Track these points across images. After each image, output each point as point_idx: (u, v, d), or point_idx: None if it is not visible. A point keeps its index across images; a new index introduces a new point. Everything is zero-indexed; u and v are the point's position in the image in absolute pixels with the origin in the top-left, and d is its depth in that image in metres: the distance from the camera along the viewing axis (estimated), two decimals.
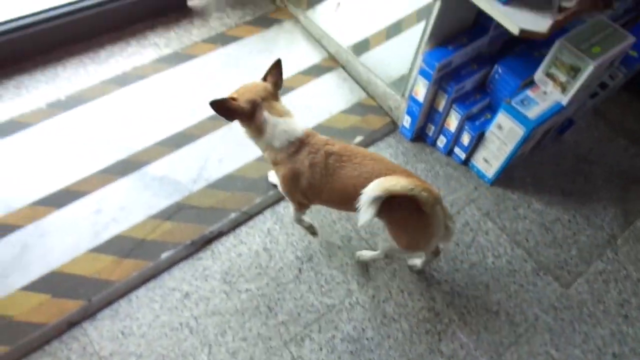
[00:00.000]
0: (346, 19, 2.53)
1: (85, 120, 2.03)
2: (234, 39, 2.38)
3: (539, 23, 1.65)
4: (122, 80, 2.16)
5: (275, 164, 1.57)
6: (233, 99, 1.49)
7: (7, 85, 2.08)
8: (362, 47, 2.42)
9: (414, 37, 2.51)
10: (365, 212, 1.37)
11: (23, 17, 2.07)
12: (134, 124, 2.05)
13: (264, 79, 1.58)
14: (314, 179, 1.52)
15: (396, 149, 2.21)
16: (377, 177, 1.41)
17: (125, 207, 1.85)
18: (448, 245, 1.94)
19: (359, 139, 2.16)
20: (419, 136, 2.25)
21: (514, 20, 1.65)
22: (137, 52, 2.28)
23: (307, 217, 1.85)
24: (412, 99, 2.06)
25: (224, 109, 1.47)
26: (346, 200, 1.52)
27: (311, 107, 2.21)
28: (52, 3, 2.13)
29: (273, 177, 1.95)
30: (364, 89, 2.33)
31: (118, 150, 1.97)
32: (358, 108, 2.27)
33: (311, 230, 1.91)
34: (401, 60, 2.37)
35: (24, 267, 1.68)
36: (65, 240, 1.75)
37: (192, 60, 2.27)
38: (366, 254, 1.85)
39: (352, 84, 2.34)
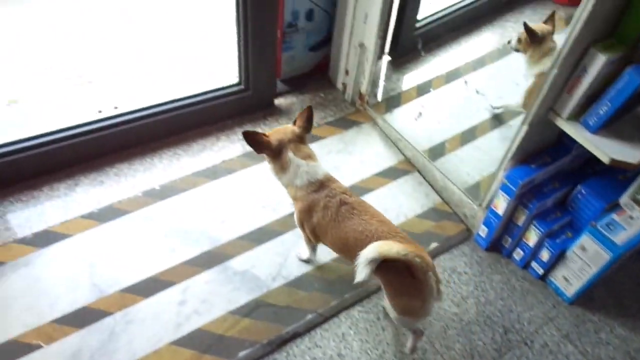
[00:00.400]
0: (423, 124, 2.63)
1: (176, 210, 2.15)
2: (315, 138, 2.51)
3: (630, 153, 1.67)
4: (212, 173, 2.30)
5: (295, 199, 1.75)
6: (265, 135, 1.70)
7: (108, 173, 2.26)
8: (437, 151, 2.50)
9: (487, 144, 2.59)
10: (361, 271, 1.44)
11: (127, 113, 2.30)
12: (221, 217, 2.15)
13: (294, 122, 1.76)
14: (324, 219, 1.67)
15: (470, 258, 2.20)
16: (378, 237, 1.54)
17: (207, 300, 1.91)
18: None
19: (434, 245, 2.18)
20: (494, 246, 2.24)
21: (604, 150, 1.69)
22: (226, 147, 2.44)
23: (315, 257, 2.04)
24: (491, 212, 2.08)
25: (255, 140, 1.68)
26: (345, 249, 1.67)
27: (387, 209, 2.26)
28: (152, 102, 2.36)
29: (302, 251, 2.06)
30: (439, 194, 2.38)
31: (204, 242, 2.06)
32: (433, 213, 2.30)
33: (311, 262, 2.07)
34: (475, 167, 2.44)
35: (110, 354, 1.74)
36: (149, 329, 1.81)
37: None
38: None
39: (428, 188, 2.40)
